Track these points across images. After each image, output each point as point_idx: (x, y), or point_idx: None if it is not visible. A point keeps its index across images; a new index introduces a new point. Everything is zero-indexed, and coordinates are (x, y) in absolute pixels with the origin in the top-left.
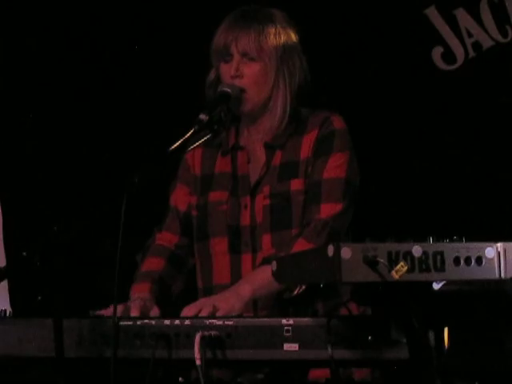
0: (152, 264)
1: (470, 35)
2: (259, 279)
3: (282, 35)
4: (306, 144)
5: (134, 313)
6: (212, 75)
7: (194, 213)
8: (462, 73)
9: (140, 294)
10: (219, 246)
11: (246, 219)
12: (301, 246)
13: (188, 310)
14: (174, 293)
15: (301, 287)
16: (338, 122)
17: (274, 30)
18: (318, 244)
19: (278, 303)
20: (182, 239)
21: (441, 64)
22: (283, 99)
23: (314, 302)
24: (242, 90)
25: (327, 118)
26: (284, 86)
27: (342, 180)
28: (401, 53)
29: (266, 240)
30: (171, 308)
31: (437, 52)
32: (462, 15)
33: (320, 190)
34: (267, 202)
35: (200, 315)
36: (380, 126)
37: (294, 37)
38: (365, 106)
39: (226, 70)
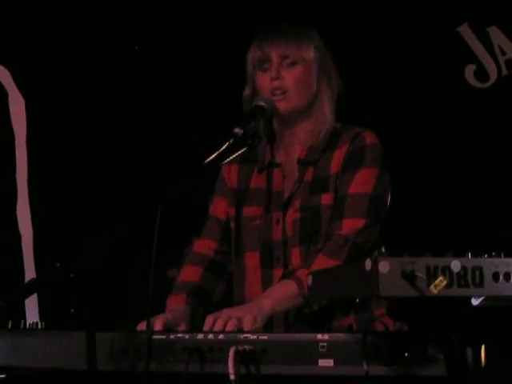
0: (189, 273)
1: (503, 53)
2: (279, 294)
3: (319, 46)
4: (337, 159)
5: (157, 328)
6: (248, 90)
7: (232, 225)
8: (495, 91)
9: (176, 305)
10: (251, 260)
11: (277, 234)
12: (322, 261)
13: (210, 319)
14: (215, 300)
15: (321, 302)
16: (369, 138)
17: (311, 40)
18: (339, 260)
19: (309, 317)
20: (222, 245)
21: (474, 82)
22: (329, 105)
23: (345, 316)
24: (284, 92)
25: (359, 134)
26: (327, 92)
27: (367, 195)
28: (434, 70)
29: (295, 254)
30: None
31: (470, 70)
32: (494, 33)
33: (344, 204)
34: (297, 215)
35: (226, 329)
36: (412, 144)
37: (327, 52)
38: (398, 124)
39: (265, 77)
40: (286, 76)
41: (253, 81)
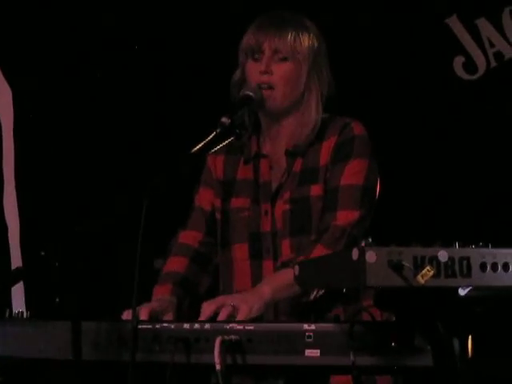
0: (174, 264)
1: (491, 45)
2: (279, 281)
3: (314, 41)
4: (326, 150)
5: (143, 317)
6: (238, 74)
7: (218, 216)
8: (483, 83)
9: (161, 295)
10: (240, 252)
11: (266, 225)
12: (319, 252)
13: (207, 306)
14: (200, 291)
15: (318, 291)
16: (357, 128)
17: (307, 34)
18: (336, 250)
19: (298, 309)
20: (207, 237)
21: (462, 74)
22: (316, 103)
23: (334, 308)
24: (271, 87)
25: (347, 125)
26: (316, 90)
27: (359, 187)
28: (422, 62)
29: (286, 245)
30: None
31: (458, 62)
32: (483, 25)
33: (337, 196)
34: (287, 207)
35: (219, 316)
36: (400, 135)
37: (323, 46)
38: (385, 115)
39: (255, 68)
40: (276, 71)
41: (243, 67)
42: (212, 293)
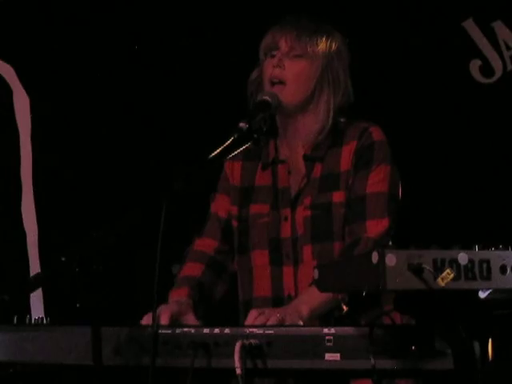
0: (191, 269)
1: (508, 48)
2: (316, 299)
3: (333, 45)
4: (346, 155)
5: (164, 321)
6: (255, 73)
7: (235, 223)
8: (500, 86)
9: (178, 298)
10: (260, 258)
11: (286, 231)
12: None
13: (254, 318)
14: (215, 298)
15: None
16: (377, 134)
17: (326, 37)
18: None
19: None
20: (222, 245)
21: (479, 77)
22: (327, 104)
23: (355, 313)
24: (282, 82)
25: (366, 129)
26: (328, 92)
27: (385, 194)
28: (439, 66)
29: (307, 251)
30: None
31: (474, 65)
32: (500, 28)
33: (364, 205)
34: (308, 213)
35: (269, 320)
36: (416, 138)
37: (344, 53)
38: (401, 119)
39: (270, 63)
40: (288, 67)
41: (261, 66)
42: (227, 302)
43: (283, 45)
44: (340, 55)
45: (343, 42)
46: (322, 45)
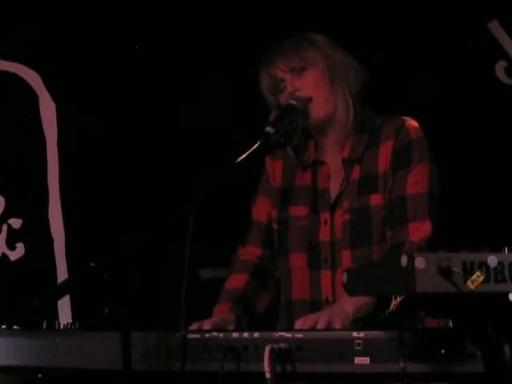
0: (235, 281)
1: None
2: (360, 300)
3: (321, 44)
4: (384, 155)
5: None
6: (273, 114)
7: (275, 226)
8: None
9: (221, 314)
10: (298, 261)
11: (325, 235)
12: None
13: (303, 323)
14: (259, 309)
15: (392, 307)
16: (414, 130)
17: (310, 41)
18: None
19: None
20: (265, 251)
21: (504, 78)
22: (343, 95)
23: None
24: (308, 100)
25: (402, 126)
26: (341, 84)
27: (425, 194)
28: (464, 67)
29: (346, 256)
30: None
31: (500, 66)
32: None
33: (406, 207)
34: (347, 217)
35: (319, 323)
36: (442, 140)
37: (339, 53)
38: (426, 121)
39: (283, 97)
40: (301, 85)
41: (276, 106)
42: (271, 312)
43: (283, 75)
44: (333, 49)
45: (324, 36)
46: (311, 48)
